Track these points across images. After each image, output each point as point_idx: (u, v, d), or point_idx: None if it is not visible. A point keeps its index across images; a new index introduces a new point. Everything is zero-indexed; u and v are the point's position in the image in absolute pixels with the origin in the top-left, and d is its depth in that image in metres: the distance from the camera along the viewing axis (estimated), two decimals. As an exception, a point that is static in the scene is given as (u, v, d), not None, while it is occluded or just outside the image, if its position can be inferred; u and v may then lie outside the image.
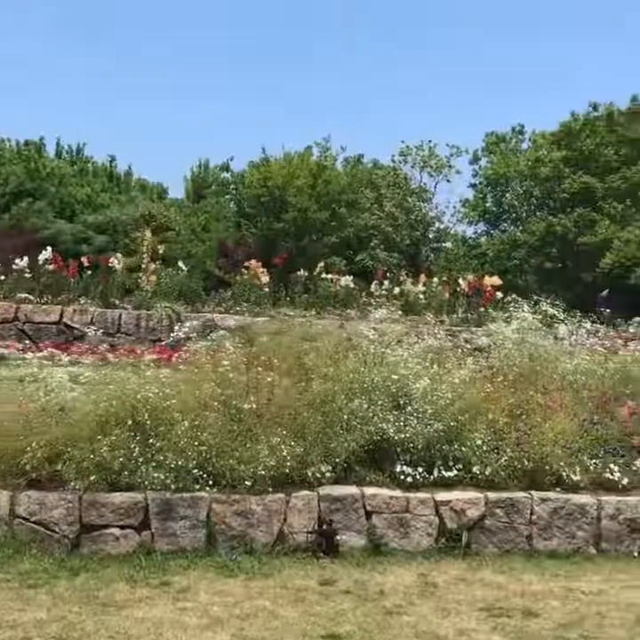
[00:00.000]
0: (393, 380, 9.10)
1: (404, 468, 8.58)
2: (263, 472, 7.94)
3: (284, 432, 8.19)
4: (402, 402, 9.03)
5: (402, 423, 8.67)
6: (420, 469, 8.61)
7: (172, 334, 13.81)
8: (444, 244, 38.91)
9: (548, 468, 8.73)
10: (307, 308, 16.70)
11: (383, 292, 18.42)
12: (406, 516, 8.27)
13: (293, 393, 8.67)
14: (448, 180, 37.46)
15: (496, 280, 18.61)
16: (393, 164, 37.23)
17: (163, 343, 13.40)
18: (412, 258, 36.00)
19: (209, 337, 10.23)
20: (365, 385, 9.02)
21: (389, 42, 65.68)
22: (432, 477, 8.63)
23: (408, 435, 8.62)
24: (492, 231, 39.18)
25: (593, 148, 35.34)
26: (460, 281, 18.91)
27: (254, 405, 8.34)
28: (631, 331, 11.68)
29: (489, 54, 65.55)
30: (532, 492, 8.64)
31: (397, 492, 8.38)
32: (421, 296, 18.17)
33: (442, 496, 8.43)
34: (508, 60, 63.90)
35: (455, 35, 65.57)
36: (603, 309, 12.81)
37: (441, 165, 36.57)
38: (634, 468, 9.13)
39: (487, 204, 38.86)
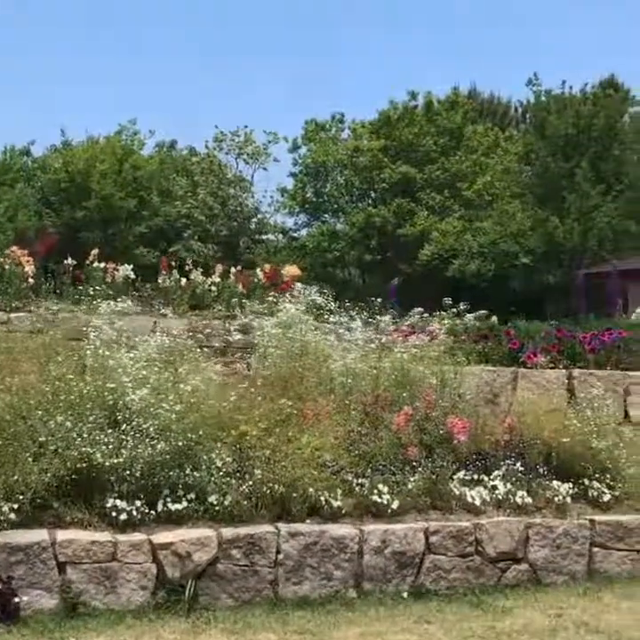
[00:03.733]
0: (110, 390, 7.23)
1: (117, 501, 6.71)
2: None
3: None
4: (120, 417, 7.18)
5: (113, 445, 6.81)
6: (139, 503, 6.76)
7: None
8: (264, 236, 37.34)
9: (299, 493, 7.09)
10: (76, 302, 14.47)
11: (171, 283, 16.46)
12: (113, 566, 6.40)
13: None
14: (265, 168, 35.98)
15: (295, 270, 17.00)
16: (207, 151, 35.26)
17: None
18: (231, 249, 34.23)
19: None
20: (73, 397, 7.10)
21: (216, 27, 63.60)
22: (155, 512, 6.83)
23: (122, 459, 6.79)
24: (312, 222, 37.81)
25: (412, 137, 34.63)
26: (257, 271, 17.24)
27: None
28: (408, 323, 10.30)
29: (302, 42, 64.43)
30: (280, 526, 6.95)
31: (103, 535, 6.50)
32: (213, 288, 16.33)
33: (161, 537, 6.60)
34: (330, 46, 63.12)
35: (272, 23, 64.15)
36: (389, 300, 11.44)
37: (257, 153, 34.95)
38: (407, 488, 7.63)
39: (307, 195, 37.39)
